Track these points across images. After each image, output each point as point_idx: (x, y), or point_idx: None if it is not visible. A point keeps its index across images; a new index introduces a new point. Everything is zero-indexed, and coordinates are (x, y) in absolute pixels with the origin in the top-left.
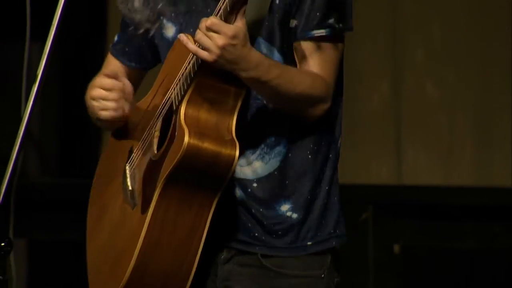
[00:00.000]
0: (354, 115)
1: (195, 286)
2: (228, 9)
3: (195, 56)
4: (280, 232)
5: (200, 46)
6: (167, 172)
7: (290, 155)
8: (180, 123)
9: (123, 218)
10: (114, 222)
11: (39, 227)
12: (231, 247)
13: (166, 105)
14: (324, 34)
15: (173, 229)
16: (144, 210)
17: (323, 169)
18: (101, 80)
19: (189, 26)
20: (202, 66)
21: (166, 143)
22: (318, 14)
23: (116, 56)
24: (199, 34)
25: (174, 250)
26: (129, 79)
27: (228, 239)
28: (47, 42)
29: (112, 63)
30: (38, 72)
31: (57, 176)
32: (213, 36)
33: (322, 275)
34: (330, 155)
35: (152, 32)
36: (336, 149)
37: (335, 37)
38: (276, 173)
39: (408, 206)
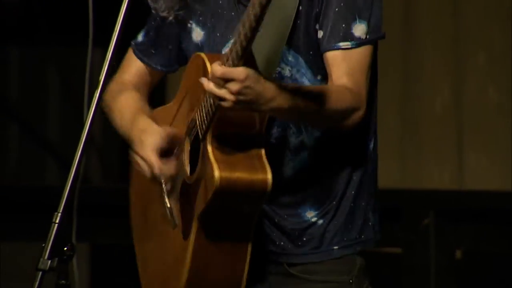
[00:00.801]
0: (415, 120)
1: None
2: (240, 53)
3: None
4: (304, 239)
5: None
6: (201, 208)
7: (314, 161)
8: (208, 157)
9: (166, 234)
10: (159, 232)
11: (101, 232)
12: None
13: (194, 128)
14: (349, 46)
15: (217, 254)
16: (185, 236)
17: (350, 174)
18: (143, 153)
19: (216, 30)
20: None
21: (198, 169)
22: (343, 25)
23: (141, 58)
24: (211, 87)
25: (222, 271)
26: (150, 80)
27: (255, 253)
28: (109, 48)
29: (134, 65)
30: (100, 77)
31: (119, 181)
32: (227, 85)
33: (350, 281)
34: (359, 160)
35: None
36: (367, 154)
37: (362, 46)
38: (300, 178)
39: (470, 211)
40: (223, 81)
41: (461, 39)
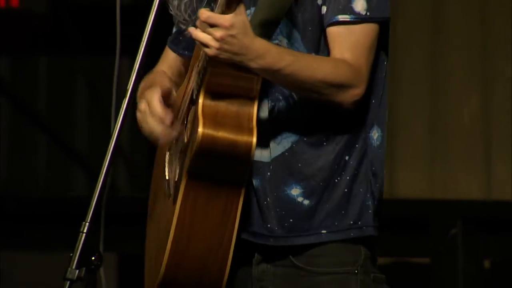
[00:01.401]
0: (443, 130)
1: (232, 287)
2: (225, 2)
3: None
4: (291, 220)
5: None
6: (187, 164)
7: (305, 138)
8: (197, 113)
9: (164, 207)
10: (158, 211)
11: (129, 241)
12: (256, 244)
13: (192, 93)
14: (348, 19)
15: (204, 218)
16: (175, 200)
17: (343, 157)
18: (154, 103)
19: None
20: (210, 59)
21: (188, 133)
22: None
23: (171, 47)
24: (196, 31)
25: (208, 238)
26: (183, 67)
27: (244, 232)
28: (137, 58)
29: (167, 56)
30: (128, 87)
31: (146, 190)
32: (210, 31)
33: (356, 271)
34: (357, 145)
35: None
36: (368, 140)
37: (363, 23)
38: (287, 154)
39: (498, 221)
40: (208, 26)
41: (489, 49)
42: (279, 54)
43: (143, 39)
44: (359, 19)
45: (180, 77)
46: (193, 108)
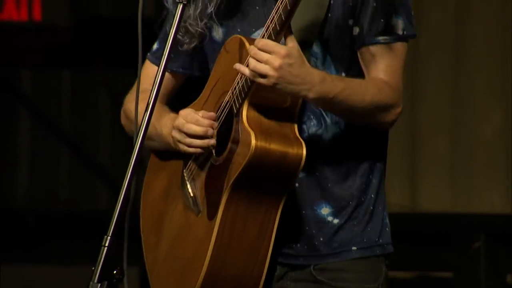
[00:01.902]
0: (466, 144)
1: None
2: (278, 28)
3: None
4: (321, 239)
5: (257, 73)
6: (234, 176)
7: (335, 158)
8: (244, 126)
9: (187, 225)
10: (176, 230)
11: None
12: (280, 263)
13: (226, 108)
14: (389, 40)
15: (243, 232)
16: (211, 216)
17: (369, 176)
18: (197, 118)
19: (236, 26)
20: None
21: (228, 147)
22: (382, 20)
23: (151, 60)
24: (253, 62)
25: (245, 253)
26: (170, 84)
27: (275, 252)
28: (158, 71)
29: (152, 72)
30: (149, 101)
31: None
32: (268, 59)
33: None
34: (377, 164)
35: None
36: (384, 159)
37: (399, 42)
38: (317, 173)
39: None
40: (264, 53)
41: (511, 65)
42: (332, 81)
43: (164, 53)
44: (397, 39)
45: (167, 92)
46: (217, 122)
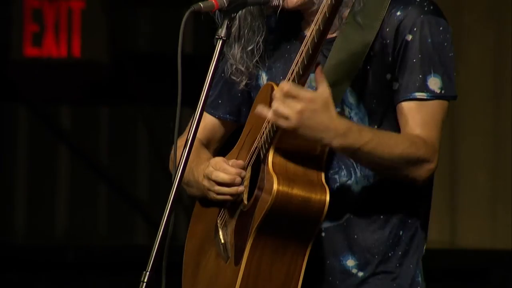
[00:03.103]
0: (505, 179)
1: None
2: (301, 72)
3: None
4: None
5: (279, 116)
6: (258, 221)
7: (363, 210)
8: (268, 171)
9: (217, 272)
10: (209, 277)
11: None
12: None
13: (254, 154)
14: (425, 97)
15: (268, 278)
16: (237, 261)
17: (397, 232)
18: (225, 166)
19: (279, 73)
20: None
21: (255, 193)
22: (420, 76)
23: (208, 111)
24: (276, 103)
25: None
26: (220, 133)
27: None
28: (197, 108)
29: (208, 120)
30: (188, 136)
31: None
32: (291, 104)
33: None
34: (409, 220)
35: (245, 82)
36: (419, 214)
37: (437, 99)
38: (345, 224)
39: None
40: (289, 98)
41: None
42: (359, 131)
43: (203, 89)
44: (434, 97)
45: (215, 140)
46: (248, 168)
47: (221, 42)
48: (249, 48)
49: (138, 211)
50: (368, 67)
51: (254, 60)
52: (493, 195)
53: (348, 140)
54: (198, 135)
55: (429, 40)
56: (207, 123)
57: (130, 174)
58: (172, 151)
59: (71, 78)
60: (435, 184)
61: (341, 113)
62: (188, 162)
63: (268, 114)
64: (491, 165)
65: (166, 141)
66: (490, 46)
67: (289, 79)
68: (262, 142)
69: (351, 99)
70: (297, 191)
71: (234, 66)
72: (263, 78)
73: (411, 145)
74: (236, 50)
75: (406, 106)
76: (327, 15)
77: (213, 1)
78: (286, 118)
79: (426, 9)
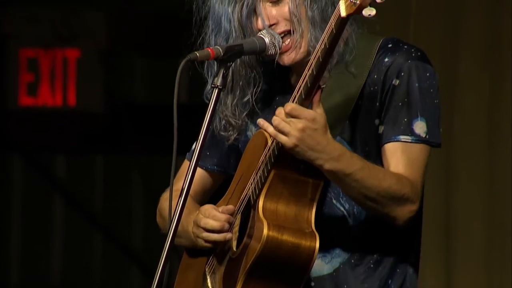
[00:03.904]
0: (501, 230)
1: None
2: (303, 96)
3: (271, 148)
4: None
5: (280, 132)
6: (247, 267)
7: (353, 259)
8: (258, 217)
9: None
10: None
11: None
12: None
13: (244, 201)
14: (409, 140)
15: None
16: None
17: (387, 282)
18: (214, 213)
19: (269, 120)
20: (279, 156)
21: (245, 239)
22: (405, 120)
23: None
24: (277, 120)
25: None
26: (207, 184)
27: None
28: (193, 157)
29: (185, 170)
30: (183, 185)
31: None
32: (293, 121)
33: None
34: (398, 270)
35: (233, 137)
36: (410, 265)
37: (422, 144)
38: (334, 274)
39: None
40: (291, 117)
41: None
42: (351, 158)
43: (199, 138)
44: (419, 141)
45: (202, 191)
46: (238, 216)
47: (217, 91)
48: (245, 99)
49: (133, 260)
50: (358, 114)
51: (245, 113)
52: (489, 245)
53: (340, 164)
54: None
55: (416, 85)
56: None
57: (124, 223)
58: (160, 203)
59: (66, 127)
60: (430, 232)
61: None
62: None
63: (269, 129)
64: (487, 215)
65: (161, 190)
66: (485, 94)
67: (293, 99)
68: (253, 188)
69: (344, 144)
70: (287, 237)
71: (224, 121)
72: (252, 130)
73: (398, 181)
74: (230, 103)
75: (391, 148)
76: (320, 60)
77: (209, 50)
78: (287, 135)
79: (413, 55)
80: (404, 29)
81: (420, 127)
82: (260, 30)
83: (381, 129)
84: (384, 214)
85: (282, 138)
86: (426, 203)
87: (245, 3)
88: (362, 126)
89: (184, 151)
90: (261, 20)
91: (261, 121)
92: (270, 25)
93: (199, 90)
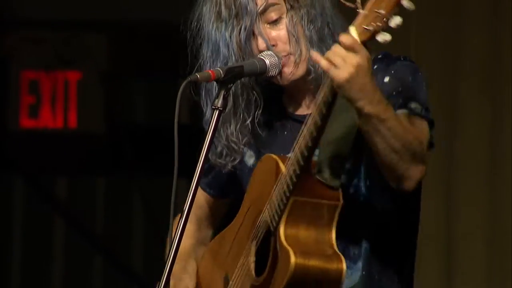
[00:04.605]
0: (503, 248)
1: None
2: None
3: (289, 175)
4: None
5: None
6: None
7: (372, 271)
8: (282, 244)
9: None
10: None
11: None
12: None
13: (260, 228)
14: (406, 112)
15: None
16: None
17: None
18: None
19: (266, 149)
20: (298, 183)
21: (268, 266)
22: (401, 100)
23: (202, 187)
24: (332, 53)
25: None
26: (210, 207)
27: None
28: (193, 179)
29: (200, 196)
30: (184, 208)
31: None
32: (349, 56)
33: None
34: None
35: (230, 165)
36: (404, 280)
37: (420, 119)
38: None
39: None
40: (350, 51)
41: None
42: (387, 106)
43: (199, 160)
44: (417, 114)
45: (210, 216)
46: (254, 242)
47: (217, 112)
48: (247, 122)
49: (133, 282)
50: (360, 139)
51: (247, 137)
52: (489, 265)
53: (378, 109)
54: (192, 214)
55: (408, 77)
56: (199, 198)
57: (125, 245)
58: (169, 235)
59: (67, 149)
60: (432, 252)
61: (348, 185)
62: (173, 271)
63: (321, 62)
64: (488, 236)
65: (162, 212)
66: (486, 117)
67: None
68: (271, 216)
69: (348, 165)
70: (314, 263)
71: (220, 148)
72: (248, 154)
73: (418, 136)
74: (233, 128)
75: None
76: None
77: (210, 71)
78: (341, 68)
79: (402, 58)
80: (404, 54)
81: (414, 106)
82: (260, 52)
83: None
84: (402, 171)
85: (334, 72)
86: (427, 224)
87: (243, 26)
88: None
89: (185, 173)
90: (262, 41)
91: (314, 54)
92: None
93: (200, 112)
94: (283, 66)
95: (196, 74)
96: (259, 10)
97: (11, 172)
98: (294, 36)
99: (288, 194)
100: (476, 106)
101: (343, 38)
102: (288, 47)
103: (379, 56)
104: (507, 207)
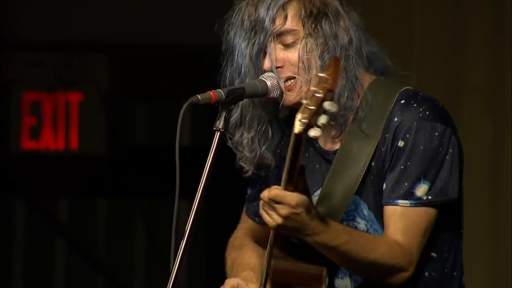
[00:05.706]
0: (505, 273)
1: None
2: (287, 178)
3: (270, 239)
4: None
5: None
6: None
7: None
8: None
9: None
10: None
11: None
12: None
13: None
14: (408, 205)
15: None
16: None
17: None
18: None
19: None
20: (275, 242)
21: None
22: (406, 184)
23: (246, 212)
24: (262, 205)
25: None
26: (258, 235)
27: None
28: (195, 200)
29: (245, 221)
30: (186, 228)
31: None
32: (276, 207)
33: None
34: None
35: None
36: None
37: (422, 207)
38: None
39: None
40: (274, 203)
41: None
42: (336, 232)
43: (201, 181)
44: (419, 204)
45: (258, 242)
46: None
47: (218, 134)
48: (260, 134)
49: None
50: (372, 178)
51: (263, 148)
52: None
53: (323, 238)
54: (243, 235)
55: (421, 147)
56: (248, 225)
57: (127, 267)
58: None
59: (69, 171)
60: None
61: (358, 226)
62: (234, 260)
63: (260, 206)
64: (489, 258)
65: (163, 234)
66: (488, 138)
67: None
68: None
69: (364, 211)
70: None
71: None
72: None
73: (388, 251)
74: (247, 138)
75: (390, 211)
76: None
77: (211, 93)
78: (270, 217)
79: (421, 115)
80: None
81: (422, 190)
82: (266, 71)
83: (384, 186)
84: (371, 279)
85: (267, 219)
86: None
87: (257, 40)
88: (375, 187)
89: (187, 194)
90: (268, 61)
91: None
92: (277, 67)
93: (201, 133)
94: (288, 89)
95: (197, 95)
96: (274, 30)
97: (12, 194)
98: (304, 63)
99: (268, 257)
100: (478, 127)
101: (264, 193)
102: (295, 70)
103: (402, 101)
104: (509, 229)
